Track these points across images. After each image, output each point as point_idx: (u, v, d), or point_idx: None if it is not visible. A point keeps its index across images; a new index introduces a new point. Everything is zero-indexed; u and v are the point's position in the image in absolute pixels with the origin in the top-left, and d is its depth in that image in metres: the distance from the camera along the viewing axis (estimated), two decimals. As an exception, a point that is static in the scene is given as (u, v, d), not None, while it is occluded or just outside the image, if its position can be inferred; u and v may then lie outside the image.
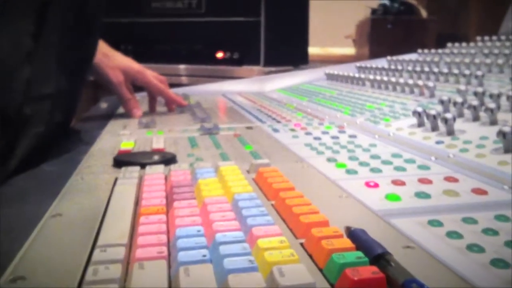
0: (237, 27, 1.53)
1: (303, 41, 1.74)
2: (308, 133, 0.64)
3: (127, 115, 0.84)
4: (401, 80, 0.89)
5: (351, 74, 1.11)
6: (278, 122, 0.75)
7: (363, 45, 2.64)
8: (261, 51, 1.52)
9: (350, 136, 0.61)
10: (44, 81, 0.57)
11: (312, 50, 2.10)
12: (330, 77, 1.23)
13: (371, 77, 1.01)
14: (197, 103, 0.94)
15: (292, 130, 0.68)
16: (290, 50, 1.65)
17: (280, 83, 1.29)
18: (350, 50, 4.14)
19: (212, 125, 0.67)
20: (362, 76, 1.05)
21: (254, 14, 1.51)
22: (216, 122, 0.75)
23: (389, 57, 1.28)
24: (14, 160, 0.51)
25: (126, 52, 1.75)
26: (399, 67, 1.08)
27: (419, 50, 1.30)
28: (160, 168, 0.45)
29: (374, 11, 2.62)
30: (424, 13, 2.66)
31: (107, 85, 0.84)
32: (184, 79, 1.61)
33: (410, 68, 1.02)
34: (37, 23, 0.55)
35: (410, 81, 0.86)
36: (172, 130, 0.70)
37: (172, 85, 1.65)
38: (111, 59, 0.85)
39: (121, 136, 0.67)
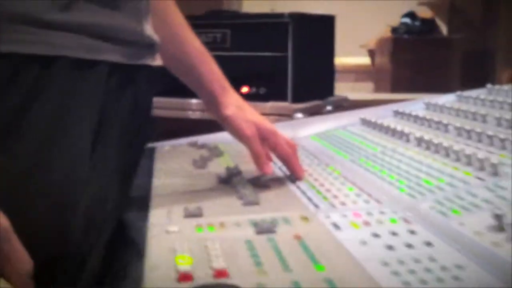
0: (263, 62, 1.49)
1: (330, 73, 1.70)
2: (376, 235, 0.59)
3: (167, 201, 0.78)
4: (456, 147, 0.83)
5: (391, 126, 1.05)
6: (333, 206, 0.70)
7: (384, 63, 2.58)
8: (289, 87, 1.47)
9: (426, 244, 0.56)
10: (103, 203, 0.53)
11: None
12: (365, 123, 1.18)
13: (418, 134, 0.95)
14: (236, 169, 0.88)
15: (354, 224, 0.63)
16: (316, 84, 1.61)
17: (313, 128, 1.24)
18: (365, 60, 4.08)
19: (269, 223, 0.62)
20: (406, 130, 1.00)
21: (280, 49, 1.46)
22: (265, 206, 0.71)
23: (426, 100, 1.23)
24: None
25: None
26: (438, 119, 1.02)
27: (458, 92, 1.24)
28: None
29: (394, 29, 2.57)
30: (444, 30, 2.61)
31: (239, 138, 0.83)
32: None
33: (452, 121, 0.97)
34: (93, 149, 0.51)
35: (468, 151, 0.80)
36: (224, 225, 0.65)
37: (198, 122, 1.61)
38: (245, 113, 0.83)
39: (170, 234, 0.62)
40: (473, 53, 2.31)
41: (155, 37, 0.61)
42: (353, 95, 1.93)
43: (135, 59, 0.57)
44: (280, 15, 1.44)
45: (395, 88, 2.42)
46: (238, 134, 0.82)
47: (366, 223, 0.63)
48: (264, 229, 0.62)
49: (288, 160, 0.84)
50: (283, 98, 1.46)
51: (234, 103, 0.83)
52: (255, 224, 0.63)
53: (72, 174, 0.50)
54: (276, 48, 1.45)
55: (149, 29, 0.60)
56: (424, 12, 2.85)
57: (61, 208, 0.49)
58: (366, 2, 4.27)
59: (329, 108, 1.63)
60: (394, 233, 0.59)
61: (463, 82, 2.43)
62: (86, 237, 0.52)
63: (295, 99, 1.46)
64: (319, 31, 1.60)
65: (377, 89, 2.80)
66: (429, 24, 2.58)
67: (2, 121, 0.47)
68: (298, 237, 0.59)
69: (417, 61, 2.40)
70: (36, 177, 0.48)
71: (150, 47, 0.60)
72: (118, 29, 0.54)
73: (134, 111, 0.59)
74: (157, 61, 0.63)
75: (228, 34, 1.50)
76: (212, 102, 0.84)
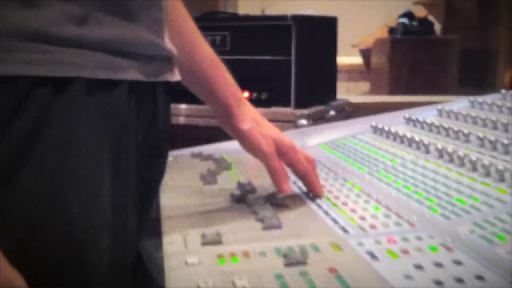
0: (265, 66, 1.43)
1: (332, 76, 1.64)
2: (418, 267, 0.54)
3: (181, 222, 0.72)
4: (485, 161, 0.78)
5: (407, 135, 1.00)
6: (363, 230, 0.65)
7: (382, 63, 2.53)
8: (292, 92, 1.42)
9: (477, 278, 0.51)
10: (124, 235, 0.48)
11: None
12: (377, 131, 1.13)
13: (439, 145, 0.90)
14: (250, 185, 0.83)
15: (392, 253, 0.57)
16: (319, 88, 1.55)
17: (321, 136, 1.18)
18: (357, 60, 4.05)
19: (299, 253, 0.57)
20: (426, 141, 0.94)
21: (283, 52, 1.40)
22: (288, 230, 0.66)
23: (439, 107, 1.18)
24: None
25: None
26: (456, 127, 0.97)
27: (471, 98, 1.19)
28: None
29: (392, 30, 2.52)
30: (439, 29, 2.57)
31: (256, 154, 0.77)
32: (210, 121, 1.50)
33: (472, 130, 0.92)
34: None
35: (499, 165, 0.75)
36: (247, 255, 0.59)
37: (197, 128, 1.55)
38: (262, 127, 0.78)
39: (190, 266, 0.56)
40: (472, 54, 2.27)
41: (174, 50, 0.55)
42: (354, 98, 1.88)
43: (154, 76, 0.51)
44: (283, 17, 1.39)
45: (393, 89, 2.39)
46: (255, 150, 0.76)
47: (404, 252, 0.58)
48: (294, 260, 0.56)
49: (307, 176, 0.78)
50: (285, 103, 1.40)
51: (250, 117, 0.77)
52: (282, 254, 0.57)
53: (91, 206, 0.45)
54: (279, 52, 1.39)
55: (168, 41, 0.54)
56: (420, 12, 2.81)
57: (79, 246, 0.43)
58: (357, 1, 4.23)
59: (332, 113, 1.57)
60: (438, 264, 0.54)
61: (462, 83, 2.40)
62: (109, 274, 0.46)
63: (298, 105, 1.40)
64: (321, 33, 1.55)
65: (374, 90, 2.75)
66: (427, 24, 2.54)
67: (11, 151, 0.41)
68: (333, 270, 0.54)
69: (416, 61, 2.35)
70: (49, 210, 0.42)
71: (168, 60, 0.54)
72: (138, 43, 0.48)
73: (153, 131, 0.54)
74: (176, 76, 0.57)
75: (227, 37, 1.44)
76: (227, 115, 0.78)
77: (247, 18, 1.46)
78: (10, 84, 0.40)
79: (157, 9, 0.52)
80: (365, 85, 3.52)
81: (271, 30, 1.41)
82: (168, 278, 0.54)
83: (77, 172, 0.43)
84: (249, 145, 0.77)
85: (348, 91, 3.35)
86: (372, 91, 2.75)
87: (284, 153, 0.77)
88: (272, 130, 0.79)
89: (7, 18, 0.40)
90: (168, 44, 0.54)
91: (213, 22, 1.46)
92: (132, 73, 0.48)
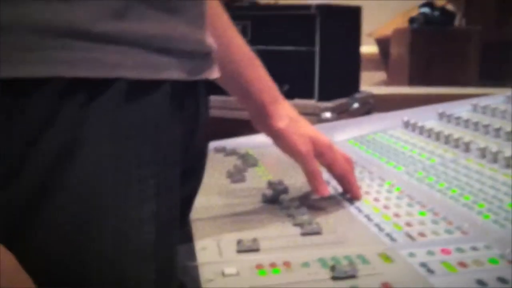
0: (287, 57, 1.38)
1: (356, 67, 1.59)
2: (481, 283, 0.49)
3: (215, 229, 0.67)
4: (536, 162, 0.73)
5: (444, 132, 0.95)
6: (411, 238, 0.60)
7: (401, 54, 2.46)
8: (315, 84, 1.37)
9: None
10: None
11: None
12: (409, 126, 1.07)
13: (481, 144, 0.85)
14: (282, 185, 0.78)
15: (449, 266, 0.52)
16: (343, 79, 1.50)
17: (351, 131, 1.13)
18: (371, 49, 3.98)
19: (348, 265, 0.52)
20: (466, 139, 0.89)
21: (307, 43, 1.35)
22: (328, 237, 0.61)
23: (474, 101, 1.12)
24: None
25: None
26: (496, 124, 0.91)
27: (508, 94, 1.14)
28: None
29: (412, 20, 2.45)
30: (460, 20, 2.50)
31: (292, 154, 0.72)
32: (227, 112, 1.45)
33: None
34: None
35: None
36: (289, 266, 0.54)
37: (213, 119, 1.50)
38: (300, 126, 0.72)
39: (228, 278, 0.52)
40: (493, 45, 2.20)
41: (213, 45, 0.50)
42: (373, 89, 1.82)
43: (196, 74, 0.46)
44: (307, 7, 1.33)
45: (412, 80, 2.32)
46: (292, 150, 0.71)
47: (462, 265, 0.53)
48: (343, 273, 0.51)
49: (346, 177, 0.73)
50: (309, 95, 1.35)
51: (287, 115, 0.72)
52: (329, 266, 0.52)
53: (135, 230, 0.40)
54: (302, 42, 1.33)
55: (209, 36, 0.49)
56: (438, 1, 2.74)
57: (79, 246, 0.39)
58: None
59: (356, 105, 1.51)
60: (502, 280, 0.49)
61: (482, 75, 2.33)
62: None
63: (322, 97, 1.35)
64: (345, 23, 1.49)
65: (392, 80, 2.69)
66: (448, 14, 2.47)
67: (44, 166, 0.36)
68: (386, 285, 0.49)
69: (436, 52, 2.29)
70: (90, 232, 0.38)
71: (208, 56, 0.49)
72: (179, 38, 0.43)
73: (195, 134, 0.49)
74: (215, 73, 0.52)
75: (248, 27, 1.38)
76: (261, 113, 0.73)
77: (269, 7, 1.41)
78: (41, 88, 0.35)
79: (199, 2, 0.47)
80: (380, 75, 3.45)
81: (295, 19, 1.35)
82: (205, 291, 0.50)
83: (118, 187, 0.39)
84: (285, 145, 0.72)
85: (363, 81, 3.30)
86: (390, 82, 2.69)
87: (321, 153, 0.72)
88: (309, 128, 0.74)
89: (38, 12, 0.35)
90: (209, 38, 0.49)
91: (233, 11, 1.40)
92: (174, 72, 0.43)
